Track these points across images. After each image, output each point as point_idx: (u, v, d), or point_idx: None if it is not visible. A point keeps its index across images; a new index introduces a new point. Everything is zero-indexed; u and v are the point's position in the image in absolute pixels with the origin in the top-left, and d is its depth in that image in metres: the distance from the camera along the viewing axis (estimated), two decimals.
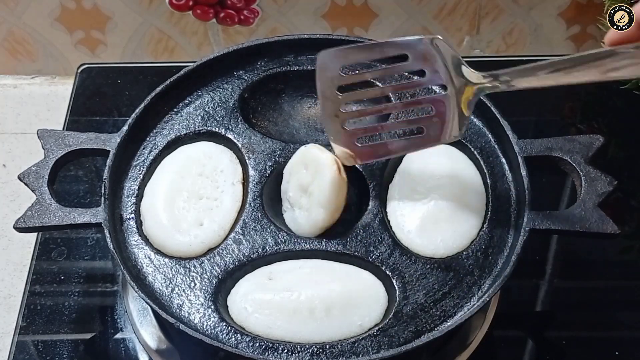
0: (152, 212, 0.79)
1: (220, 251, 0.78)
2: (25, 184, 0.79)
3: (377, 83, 0.84)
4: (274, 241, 0.78)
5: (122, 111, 1.06)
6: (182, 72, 0.86)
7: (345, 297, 0.75)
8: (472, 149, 0.84)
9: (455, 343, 0.83)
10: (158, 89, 0.85)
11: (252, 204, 0.80)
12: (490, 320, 0.84)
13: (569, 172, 0.81)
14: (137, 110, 0.83)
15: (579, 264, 0.93)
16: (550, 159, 0.81)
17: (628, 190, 0.97)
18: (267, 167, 0.83)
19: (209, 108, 0.87)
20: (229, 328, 0.73)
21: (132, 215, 0.80)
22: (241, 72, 0.89)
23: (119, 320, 0.87)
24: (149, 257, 0.78)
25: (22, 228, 0.77)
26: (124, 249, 0.78)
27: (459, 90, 0.74)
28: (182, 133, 0.85)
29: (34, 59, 1.14)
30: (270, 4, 1.08)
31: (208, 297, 0.75)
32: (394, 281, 0.76)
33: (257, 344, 0.73)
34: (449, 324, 0.73)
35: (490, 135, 0.85)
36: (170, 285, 0.76)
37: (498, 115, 0.82)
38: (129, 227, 0.79)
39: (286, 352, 0.72)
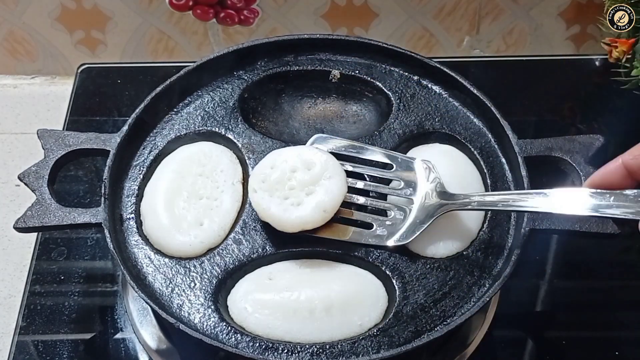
0: (152, 212, 0.79)
1: (220, 251, 0.78)
2: (25, 184, 0.79)
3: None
4: (274, 241, 0.78)
5: (122, 111, 1.05)
6: (182, 72, 0.86)
7: (345, 297, 0.75)
8: (472, 149, 0.84)
9: (455, 343, 0.83)
10: (158, 89, 0.85)
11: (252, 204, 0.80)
12: (490, 320, 0.84)
13: (569, 172, 0.81)
14: (137, 110, 0.83)
15: (579, 264, 0.92)
16: (550, 159, 0.81)
17: None
18: None
19: (209, 108, 0.87)
20: (229, 328, 0.73)
21: (132, 215, 0.80)
22: (241, 72, 0.89)
23: (119, 320, 0.87)
24: (149, 257, 0.78)
25: (22, 228, 0.77)
26: (124, 249, 0.78)
27: (424, 204, 0.76)
28: (182, 133, 0.85)
29: (33, 59, 1.14)
30: (270, 4, 1.08)
31: (208, 297, 0.75)
32: (394, 281, 0.76)
33: (257, 344, 0.73)
34: (448, 324, 0.73)
35: (490, 135, 0.85)
36: (170, 285, 0.76)
37: (498, 115, 0.82)
38: (129, 227, 0.79)
39: (286, 352, 0.72)
